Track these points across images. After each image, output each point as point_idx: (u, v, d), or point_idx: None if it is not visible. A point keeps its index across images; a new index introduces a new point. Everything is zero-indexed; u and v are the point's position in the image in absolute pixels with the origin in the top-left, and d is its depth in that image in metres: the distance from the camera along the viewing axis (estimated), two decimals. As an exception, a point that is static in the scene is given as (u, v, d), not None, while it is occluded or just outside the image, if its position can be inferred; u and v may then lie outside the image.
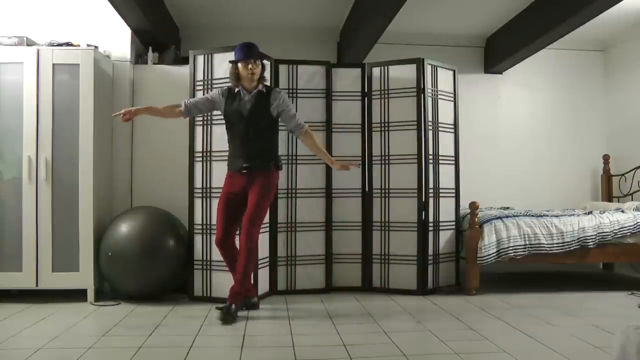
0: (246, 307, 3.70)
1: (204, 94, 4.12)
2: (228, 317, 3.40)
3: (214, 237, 4.01)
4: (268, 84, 3.82)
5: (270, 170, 3.63)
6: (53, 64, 3.98)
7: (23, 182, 3.95)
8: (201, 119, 4.11)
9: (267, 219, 4.20)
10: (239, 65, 3.56)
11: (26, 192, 3.94)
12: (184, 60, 4.58)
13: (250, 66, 3.53)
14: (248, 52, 3.54)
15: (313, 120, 4.41)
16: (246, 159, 3.58)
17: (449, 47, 5.63)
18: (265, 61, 3.74)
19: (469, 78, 5.67)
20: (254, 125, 3.58)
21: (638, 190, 5.30)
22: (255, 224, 3.55)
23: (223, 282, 3.95)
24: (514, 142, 5.79)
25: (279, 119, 3.71)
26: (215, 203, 4.04)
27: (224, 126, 4.03)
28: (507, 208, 5.12)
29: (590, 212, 4.60)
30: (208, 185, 4.09)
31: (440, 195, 4.47)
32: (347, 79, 4.56)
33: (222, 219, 3.64)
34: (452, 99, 4.63)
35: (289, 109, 3.69)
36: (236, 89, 3.63)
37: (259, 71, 3.59)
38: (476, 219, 4.32)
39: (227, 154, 4.00)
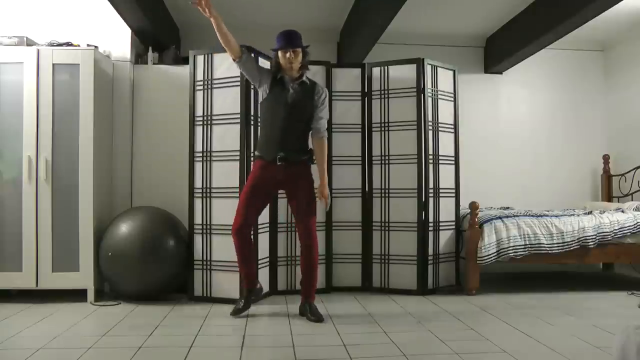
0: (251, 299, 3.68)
1: (204, 94, 4.12)
2: (317, 317, 3.47)
3: (214, 237, 4.03)
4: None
5: (305, 166, 3.58)
6: (53, 64, 3.98)
7: (23, 182, 3.95)
8: (201, 118, 4.11)
9: (267, 218, 4.20)
10: (279, 54, 3.50)
11: (26, 192, 3.94)
12: (184, 60, 4.57)
13: (288, 55, 3.46)
14: (285, 40, 3.46)
15: (313, 120, 4.42)
16: (282, 148, 3.49)
17: (449, 47, 5.63)
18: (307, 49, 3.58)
19: (469, 78, 5.67)
20: (296, 114, 3.51)
21: (638, 190, 5.30)
22: (313, 226, 3.56)
23: (223, 282, 3.95)
24: (514, 142, 5.79)
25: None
26: (215, 203, 4.04)
27: (224, 126, 4.02)
28: (507, 208, 5.12)
29: (590, 212, 4.60)
30: (208, 185, 4.09)
31: (440, 195, 4.47)
32: (347, 79, 4.56)
33: (245, 207, 3.53)
34: (452, 99, 4.63)
35: (324, 110, 3.63)
36: (279, 76, 3.55)
37: (298, 60, 3.50)
38: (476, 219, 4.32)
39: (227, 153, 4.02)
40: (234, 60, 3.57)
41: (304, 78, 3.59)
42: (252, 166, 3.70)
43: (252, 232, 3.71)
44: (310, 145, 3.64)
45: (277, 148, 3.50)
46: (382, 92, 4.51)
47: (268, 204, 3.86)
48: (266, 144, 3.56)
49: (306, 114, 3.56)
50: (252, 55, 3.79)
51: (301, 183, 3.56)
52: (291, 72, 3.53)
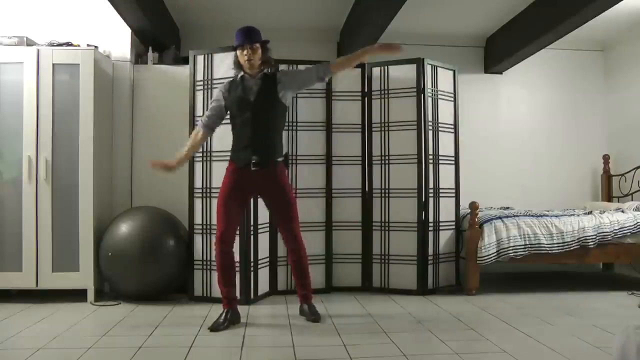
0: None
1: (204, 94, 4.12)
2: (316, 316, 3.45)
3: (214, 237, 4.00)
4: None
5: (280, 169, 3.43)
6: (53, 64, 3.98)
7: (23, 182, 3.95)
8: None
9: (267, 219, 4.20)
10: (237, 52, 3.38)
11: (26, 192, 3.94)
12: (184, 60, 4.58)
13: (245, 52, 3.33)
14: (242, 37, 3.33)
15: (313, 120, 4.43)
16: (254, 151, 3.33)
17: (449, 47, 5.63)
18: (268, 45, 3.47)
19: (469, 78, 5.67)
20: (262, 111, 3.36)
21: (638, 190, 5.30)
22: (297, 229, 3.47)
23: (223, 282, 3.95)
24: (514, 142, 5.79)
25: (306, 86, 3.54)
26: (215, 203, 4.03)
27: (224, 126, 4.00)
28: (507, 208, 5.12)
29: (590, 212, 4.60)
30: (208, 185, 4.09)
31: (440, 195, 4.47)
32: (347, 79, 4.55)
33: (224, 215, 3.37)
34: (452, 99, 4.63)
35: (298, 70, 3.51)
36: (239, 76, 3.43)
37: (257, 57, 3.36)
38: (476, 219, 4.32)
39: (227, 154, 3.99)
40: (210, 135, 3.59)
41: (265, 71, 3.43)
42: (225, 169, 3.51)
43: (234, 245, 3.48)
44: (285, 149, 3.52)
45: (249, 152, 3.34)
46: (382, 92, 4.51)
47: (246, 209, 3.67)
48: (237, 149, 3.41)
49: (275, 109, 3.41)
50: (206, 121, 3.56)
51: (278, 187, 3.42)
52: (251, 69, 3.38)
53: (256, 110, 3.37)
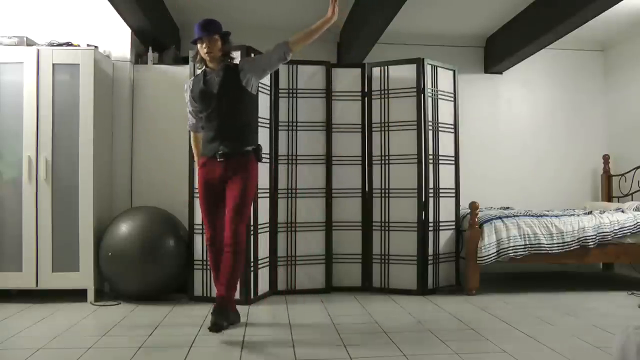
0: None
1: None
2: (218, 322, 3.14)
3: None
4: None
5: (248, 159, 3.33)
6: (53, 64, 3.98)
7: (23, 182, 3.95)
8: (201, 119, 4.11)
9: (266, 218, 4.20)
10: (197, 46, 3.34)
11: (26, 192, 3.95)
12: (184, 60, 4.58)
13: (204, 45, 3.29)
14: (200, 30, 3.28)
15: (313, 120, 4.42)
16: (221, 141, 3.28)
17: (449, 47, 5.63)
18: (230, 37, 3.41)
19: (469, 78, 5.67)
20: (227, 101, 3.30)
21: (638, 190, 5.30)
22: (239, 220, 3.23)
23: (223, 282, 3.95)
24: (513, 142, 5.79)
25: (269, 69, 3.49)
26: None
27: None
28: (507, 208, 5.12)
29: (590, 212, 4.60)
30: (208, 185, 4.08)
31: (440, 195, 4.47)
32: (347, 79, 4.56)
33: (207, 215, 3.36)
34: (452, 99, 4.63)
35: (259, 56, 3.56)
36: (202, 70, 3.41)
37: (216, 49, 3.31)
38: (476, 219, 4.32)
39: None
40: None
41: (228, 62, 3.39)
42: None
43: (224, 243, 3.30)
44: (260, 141, 3.45)
45: (217, 143, 3.29)
46: (382, 92, 4.51)
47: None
48: (207, 142, 3.36)
49: (240, 99, 3.33)
50: (192, 123, 3.56)
51: (237, 177, 3.27)
52: (213, 62, 3.34)
53: (220, 102, 3.31)
